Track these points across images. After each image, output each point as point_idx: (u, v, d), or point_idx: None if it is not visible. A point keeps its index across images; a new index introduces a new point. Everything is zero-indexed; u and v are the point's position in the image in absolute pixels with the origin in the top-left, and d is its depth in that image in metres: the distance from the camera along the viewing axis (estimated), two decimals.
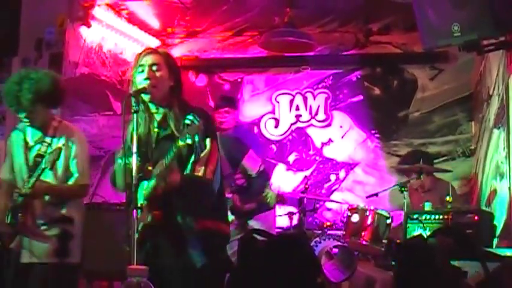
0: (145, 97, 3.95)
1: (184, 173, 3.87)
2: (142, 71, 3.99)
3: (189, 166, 3.91)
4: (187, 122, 3.86)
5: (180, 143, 3.68)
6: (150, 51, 4.15)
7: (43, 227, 4.61)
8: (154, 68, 4.00)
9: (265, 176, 5.94)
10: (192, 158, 3.89)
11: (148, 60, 4.03)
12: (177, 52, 8.75)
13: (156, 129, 4.05)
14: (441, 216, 5.75)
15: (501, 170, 6.02)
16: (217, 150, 4.02)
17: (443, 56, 7.88)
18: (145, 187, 3.89)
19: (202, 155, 3.86)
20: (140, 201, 3.82)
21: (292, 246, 2.87)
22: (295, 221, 7.20)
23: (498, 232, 5.75)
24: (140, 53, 4.15)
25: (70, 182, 4.65)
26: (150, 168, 3.89)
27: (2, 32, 6.67)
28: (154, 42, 8.50)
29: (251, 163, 5.64)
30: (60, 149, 4.47)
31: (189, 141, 3.66)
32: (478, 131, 7.65)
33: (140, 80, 3.98)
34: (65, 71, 6.94)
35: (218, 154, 4.04)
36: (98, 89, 7.67)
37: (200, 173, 3.90)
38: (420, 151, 7.69)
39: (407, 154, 7.78)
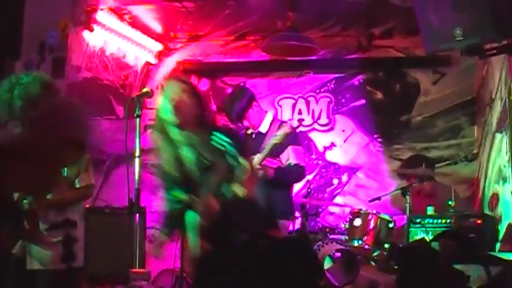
0: (170, 121, 3.99)
1: (224, 198, 3.91)
2: (173, 98, 4.02)
3: (228, 189, 3.95)
4: (218, 147, 3.90)
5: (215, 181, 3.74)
6: (181, 81, 4.18)
7: (47, 233, 4.60)
8: (184, 95, 4.03)
9: (300, 170, 5.87)
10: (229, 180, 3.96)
11: (179, 88, 4.06)
12: (179, 56, 8.77)
13: (193, 162, 4.08)
14: (444, 221, 5.75)
15: (504, 174, 6.02)
16: (254, 169, 4.05)
17: (446, 60, 7.88)
18: (192, 218, 3.93)
19: (241, 176, 3.89)
20: (188, 232, 3.88)
21: (295, 249, 2.87)
22: (297, 225, 7.20)
23: (501, 236, 5.75)
24: (167, 80, 4.20)
25: (76, 184, 4.64)
26: (194, 198, 3.94)
27: (4, 35, 6.68)
28: (156, 47, 8.52)
29: (296, 154, 5.69)
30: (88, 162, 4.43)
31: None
32: (480, 135, 7.64)
33: (166, 106, 4.02)
34: (68, 75, 6.94)
35: (256, 171, 4.07)
36: (101, 93, 7.67)
37: (240, 194, 3.93)
38: (422, 156, 7.69)
39: (409, 159, 7.78)
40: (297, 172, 5.74)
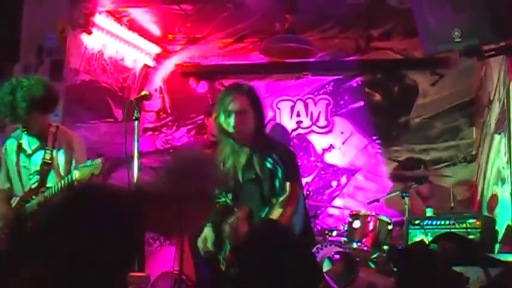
0: (230, 136, 3.99)
1: (256, 220, 3.89)
2: (229, 116, 3.99)
3: (265, 210, 3.93)
4: (268, 165, 3.88)
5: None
6: (238, 94, 4.11)
7: None
8: (241, 114, 4.00)
9: None
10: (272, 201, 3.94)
11: (235, 106, 4.01)
12: (177, 59, 8.78)
13: (240, 170, 4.06)
14: (443, 222, 5.75)
15: (502, 175, 6.02)
16: (297, 193, 4.03)
17: (444, 62, 7.87)
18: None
19: (281, 199, 3.88)
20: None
21: (293, 252, 2.86)
22: None
23: (500, 237, 5.74)
24: (227, 93, 4.13)
25: None
26: (236, 210, 3.93)
27: (3, 39, 6.68)
28: (155, 49, 8.51)
29: None
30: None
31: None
32: (479, 136, 7.64)
33: (226, 124, 4.00)
34: (66, 78, 6.95)
35: (298, 197, 4.05)
36: (99, 96, 7.67)
37: (274, 217, 3.91)
38: (418, 158, 7.71)
39: (405, 161, 7.80)
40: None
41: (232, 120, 3.96)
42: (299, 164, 4.86)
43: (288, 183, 3.89)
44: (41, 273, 2.08)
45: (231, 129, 3.97)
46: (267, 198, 3.92)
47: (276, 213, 3.91)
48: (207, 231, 4.10)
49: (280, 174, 3.90)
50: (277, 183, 3.88)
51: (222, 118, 4.02)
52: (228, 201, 4.05)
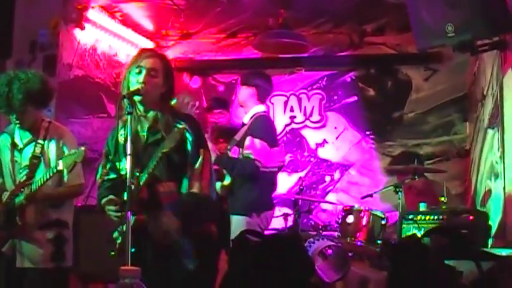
0: (136, 98, 3.93)
1: (181, 194, 3.85)
2: (140, 72, 3.96)
3: (185, 183, 3.90)
4: (178, 126, 3.85)
5: (164, 150, 3.66)
6: (151, 54, 4.11)
7: (39, 231, 4.60)
8: (152, 73, 3.98)
9: (247, 165, 5.76)
10: (187, 172, 3.90)
11: (147, 63, 4.00)
12: (171, 54, 8.74)
13: (144, 134, 4.02)
14: (436, 217, 5.75)
15: (495, 170, 6.02)
16: (209, 160, 4.01)
17: (438, 57, 7.88)
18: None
19: (196, 167, 3.85)
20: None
21: (285, 247, 2.86)
22: (290, 222, 7.19)
23: (493, 232, 5.75)
24: (140, 53, 4.12)
25: (65, 181, 4.61)
26: (138, 174, 3.86)
27: None
28: (148, 44, 8.49)
29: (257, 147, 5.66)
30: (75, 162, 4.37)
31: (166, 150, 3.64)
32: (472, 131, 7.65)
33: (135, 82, 3.96)
34: (59, 73, 6.92)
35: (211, 163, 4.03)
36: (92, 91, 7.64)
37: (196, 189, 3.87)
38: (411, 152, 7.71)
39: (399, 156, 7.81)
40: (244, 166, 5.64)
41: (142, 76, 3.94)
42: None
43: (201, 150, 3.85)
44: None
45: (137, 85, 3.92)
46: (180, 166, 3.86)
47: (195, 184, 3.87)
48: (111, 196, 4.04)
49: (191, 139, 3.87)
50: (188, 146, 3.84)
51: (132, 74, 3.98)
52: (122, 172, 3.97)
